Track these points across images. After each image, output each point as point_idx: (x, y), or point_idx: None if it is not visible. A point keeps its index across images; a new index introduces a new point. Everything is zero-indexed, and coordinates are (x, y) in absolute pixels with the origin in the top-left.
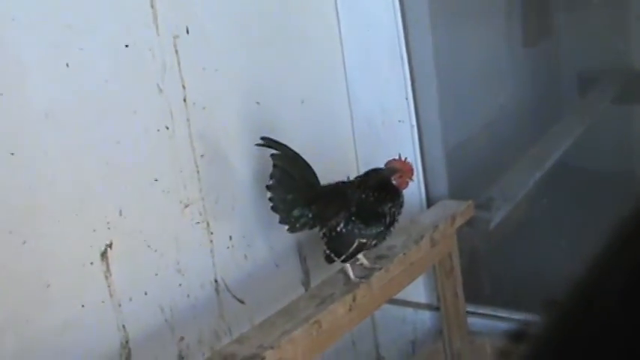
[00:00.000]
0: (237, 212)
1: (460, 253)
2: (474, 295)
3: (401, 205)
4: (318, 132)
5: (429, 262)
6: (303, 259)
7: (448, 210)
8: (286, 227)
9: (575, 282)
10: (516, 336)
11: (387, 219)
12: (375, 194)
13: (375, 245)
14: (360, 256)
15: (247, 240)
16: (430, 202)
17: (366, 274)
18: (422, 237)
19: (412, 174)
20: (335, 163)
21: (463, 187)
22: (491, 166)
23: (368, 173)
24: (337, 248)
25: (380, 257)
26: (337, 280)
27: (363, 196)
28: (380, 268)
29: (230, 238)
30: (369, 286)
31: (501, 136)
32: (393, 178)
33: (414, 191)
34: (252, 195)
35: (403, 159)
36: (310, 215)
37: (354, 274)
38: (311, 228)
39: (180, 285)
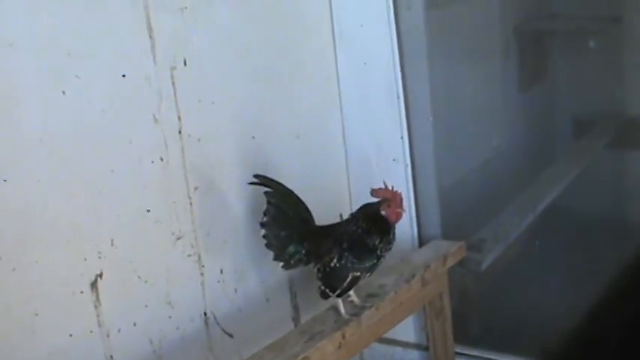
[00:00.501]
0: (229, 246)
1: (450, 293)
2: (463, 336)
3: (389, 242)
4: (312, 168)
5: (420, 301)
6: (293, 295)
7: (440, 250)
8: (281, 264)
9: (572, 333)
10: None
11: (378, 252)
12: (364, 226)
13: (369, 276)
14: (351, 293)
15: (238, 274)
16: (422, 241)
17: (356, 311)
18: (413, 276)
19: (401, 202)
20: (328, 201)
21: (455, 227)
22: (484, 207)
23: (360, 207)
24: (332, 283)
25: (371, 295)
26: (327, 316)
27: (354, 229)
28: (370, 307)
29: (221, 271)
30: (359, 323)
31: (495, 177)
32: (381, 209)
33: (405, 230)
34: (245, 229)
35: (390, 187)
36: (304, 252)
37: (345, 310)
38: (305, 264)
39: (169, 317)
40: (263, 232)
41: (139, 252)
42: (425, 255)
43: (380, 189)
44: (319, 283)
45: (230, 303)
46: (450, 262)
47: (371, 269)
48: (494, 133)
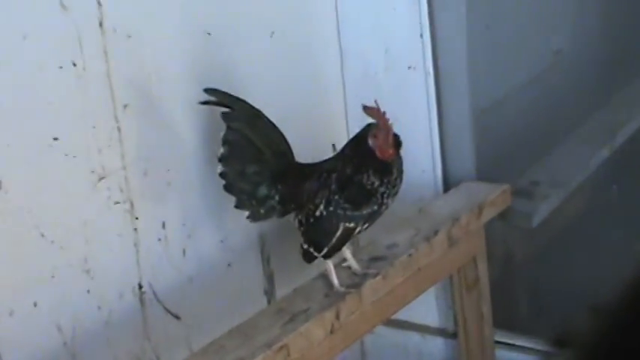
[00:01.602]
0: (174, 190)
1: (489, 258)
2: (506, 320)
3: (392, 183)
4: (292, 80)
5: (445, 269)
6: (266, 259)
7: (474, 196)
8: (246, 214)
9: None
10: (560, 341)
11: (379, 196)
12: (355, 162)
13: (367, 228)
14: (347, 255)
15: (188, 229)
16: (448, 184)
17: (355, 281)
18: (435, 233)
19: (388, 134)
20: (316, 127)
21: (496, 164)
22: (537, 139)
23: (352, 137)
24: (317, 238)
25: (375, 259)
26: (314, 288)
27: (343, 166)
28: (376, 274)
29: (163, 225)
30: (359, 298)
31: (553, 95)
32: (369, 138)
33: (425, 167)
34: (197, 165)
35: (377, 107)
36: (278, 197)
37: (339, 281)
38: (281, 215)
39: (88, 292)
40: (221, 168)
41: (42, 199)
42: (453, 203)
43: (369, 107)
44: (301, 240)
45: (176, 271)
46: (489, 214)
47: (370, 219)
48: (553, 34)
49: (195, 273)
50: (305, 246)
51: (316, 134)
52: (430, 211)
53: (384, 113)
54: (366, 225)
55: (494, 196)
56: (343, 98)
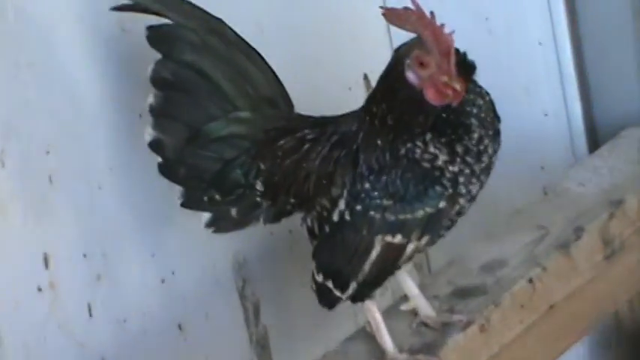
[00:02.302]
0: (61, 191)
1: None
2: None
3: (477, 151)
4: None
5: (603, 303)
6: (251, 310)
7: None
8: (204, 218)
9: None
10: None
11: (448, 178)
12: (390, 121)
13: (429, 244)
14: (410, 288)
15: (96, 264)
16: (597, 136)
17: (427, 341)
18: (579, 234)
19: (448, 51)
20: (333, 57)
21: None
22: None
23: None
24: (336, 264)
25: (464, 293)
26: (351, 353)
27: (375, 133)
28: (466, 324)
29: (45, 261)
30: None
31: None
32: (406, 68)
33: (550, 108)
34: (107, 128)
35: (418, 9)
36: (261, 185)
37: (395, 341)
38: (272, 218)
39: None
40: (153, 134)
41: None
42: (608, 172)
43: (396, 10)
44: (313, 266)
45: (76, 348)
46: None
47: (433, 226)
48: None
49: (114, 349)
50: (319, 278)
51: (333, 62)
52: (564, 192)
53: (432, 16)
54: (425, 238)
55: None
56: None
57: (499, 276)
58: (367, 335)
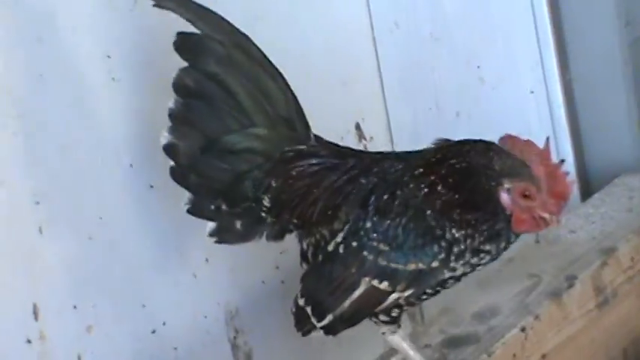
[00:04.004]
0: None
1: None
2: None
3: (495, 250)
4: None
5: (599, 344)
6: (238, 347)
7: None
8: (209, 227)
9: None
10: None
11: (448, 253)
12: (450, 186)
13: (411, 298)
14: (399, 341)
15: (92, 297)
16: (590, 184)
17: None
18: (571, 283)
19: (562, 197)
20: (326, 106)
21: None
22: None
23: (444, 152)
24: (319, 293)
25: (456, 342)
26: None
27: (415, 181)
28: None
29: (34, 313)
30: None
31: None
32: (502, 189)
33: None
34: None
35: (547, 149)
36: (268, 201)
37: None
38: (276, 236)
39: None
40: (169, 138)
41: None
42: (600, 219)
43: (514, 138)
44: (298, 289)
45: None
46: None
47: (419, 282)
48: None
49: None
50: (300, 302)
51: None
52: (556, 240)
53: (547, 152)
54: (409, 291)
55: None
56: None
57: (491, 324)
58: None
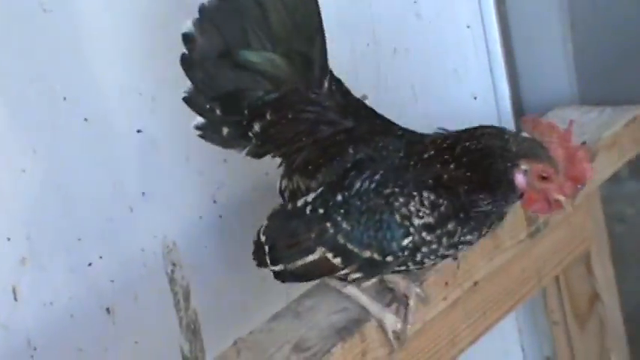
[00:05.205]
0: None
1: (614, 253)
2: None
3: (463, 237)
4: None
5: (527, 281)
6: (175, 281)
7: (575, 133)
8: (197, 120)
9: None
10: None
11: (414, 244)
12: (459, 165)
13: (361, 280)
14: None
15: (25, 229)
16: (525, 109)
17: (354, 317)
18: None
19: (580, 180)
20: None
21: (609, 84)
22: None
23: (456, 136)
24: (279, 239)
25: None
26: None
27: (420, 163)
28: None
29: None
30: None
31: None
32: (516, 170)
33: (479, 90)
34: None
35: (569, 132)
36: (258, 130)
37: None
38: (256, 156)
39: None
40: (190, 28)
41: None
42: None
43: (536, 120)
44: (264, 222)
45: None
46: (609, 166)
47: (371, 270)
48: None
49: (40, 332)
50: (262, 238)
51: None
52: None
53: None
54: (358, 274)
55: (618, 128)
56: None
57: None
58: (293, 313)
